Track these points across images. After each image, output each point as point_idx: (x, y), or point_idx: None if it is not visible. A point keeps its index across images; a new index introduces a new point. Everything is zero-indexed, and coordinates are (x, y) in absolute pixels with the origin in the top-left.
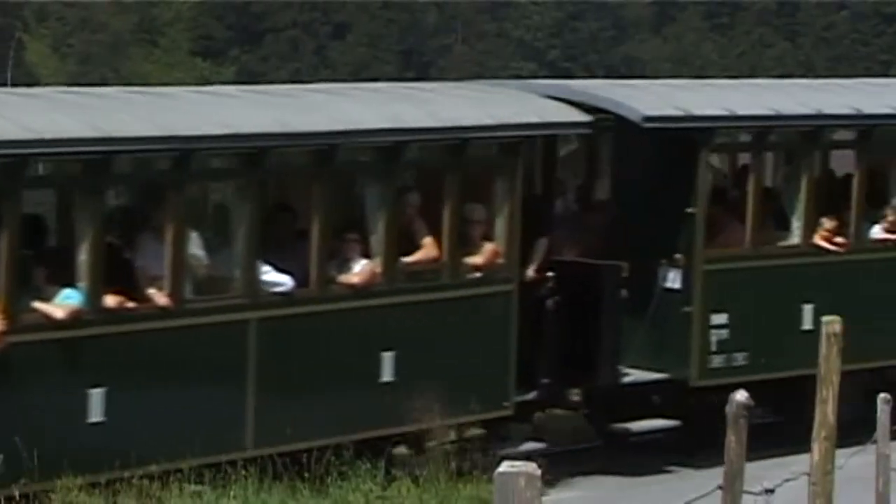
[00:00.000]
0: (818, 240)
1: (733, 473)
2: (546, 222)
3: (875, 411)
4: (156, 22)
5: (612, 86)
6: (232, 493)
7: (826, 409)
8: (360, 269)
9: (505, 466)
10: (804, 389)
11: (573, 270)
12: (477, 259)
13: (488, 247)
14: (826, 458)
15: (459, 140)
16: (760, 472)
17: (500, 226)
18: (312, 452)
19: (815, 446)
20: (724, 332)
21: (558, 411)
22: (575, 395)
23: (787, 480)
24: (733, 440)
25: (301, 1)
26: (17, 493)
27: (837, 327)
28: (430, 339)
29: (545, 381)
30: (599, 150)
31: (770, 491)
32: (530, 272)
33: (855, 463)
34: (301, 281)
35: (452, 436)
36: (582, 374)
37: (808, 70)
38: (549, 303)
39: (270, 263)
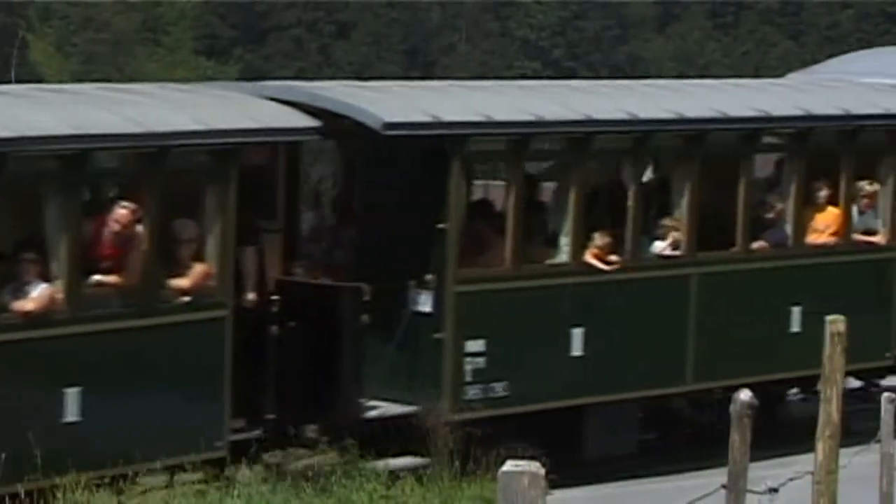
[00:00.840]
0: (589, 257)
1: (737, 473)
2: (264, 235)
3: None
4: (160, 21)
5: (356, 88)
6: (236, 491)
7: (830, 409)
8: (36, 294)
9: (509, 466)
10: (577, 421)
11: (308, 293)
12: (184, 282)
13: (198, 268)
14: (830, 457)
15: (158, 147)
16: (764, 472)
17: (212, 244)
18: (317, 449)
19: (819, 445)
20: (481, 361)
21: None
22: (311, 432)
23: (791, 480)
24: (737, 439)
25: (305, 0)
26: None
27: (841, 326)
28: (126, 372)
29: (271, 416)
30: (354, 158)
31: (774, 490)
32: (250, 295)
33: (859, 462)
34: None
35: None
36: (319, 408)
37: None
38: (274, 329)
39: None
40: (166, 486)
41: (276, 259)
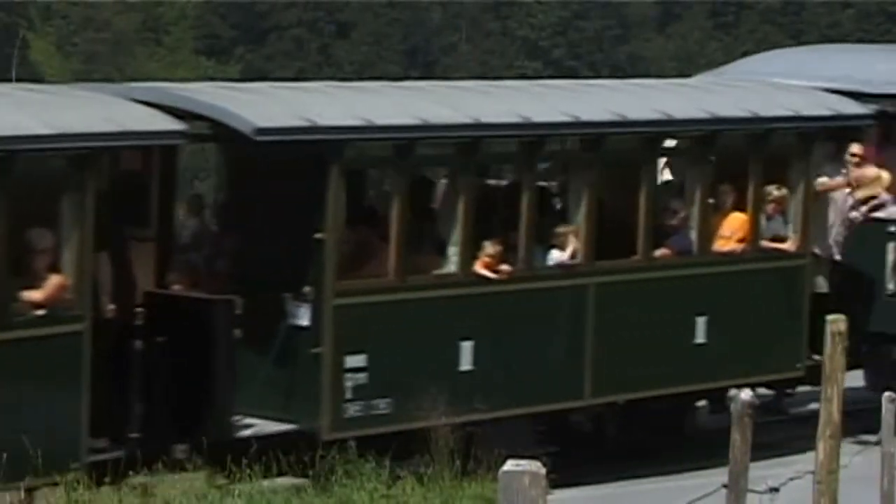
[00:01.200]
0: (479, 267)
1: (738, 472)
2: (134, 244)
3: None
4: (160, 21)
5: (231, 91)
6: (237, 491)
7: (831, 408)
8: None
9: (510, 465)
10: (472, 438)
11: (178, 305)
12: (38, 294)
13: (53, 279)
14: (831, 456)
15: (5, 152)
16: (765, 471)
17: (69, 254)
18: (317, 451)
19: (820, 445)
20: (362, 377)
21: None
22: (181, 452)
23: (792, 479)
24: (738, 439)
25: (305, 0)
26: None
27: (842, 325)
28: None
29: (135, 435)
30: (235, 163)
31: (775, 490)
32: (108, 306)
33: (860, 462)
34: None
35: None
36: (188, 426)
37: None
38: (138, 344)
39: None
40: None
41: (149, 269)
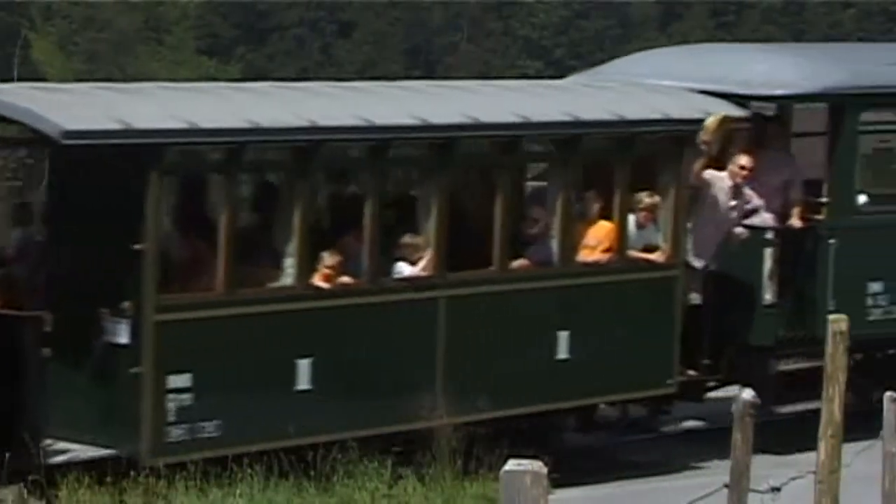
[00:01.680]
0: (318, 279)
1: (739, 471)
2: None
3: None
4: (162, 20)
5: (40, 91)
6: (238, 490)
7: (832, 408)
8: None
9: (511, 465)
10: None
11: None
12: None
13: None
14: (832, 456)
15: None
16: (766, 471)
17: None
18: (318, 450)
19: (822, 444)
20: (188, 398)
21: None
22: None
23: (794, 479)
24: (739, 439)
25: (307, 0)
26: None
27: (843, 325)
28: None
29: None
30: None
31: (776, 489)
32: None
33: (862, 461)
34: None
35: None
36: None
37: None
38: None
39: None
40: None
41: None
